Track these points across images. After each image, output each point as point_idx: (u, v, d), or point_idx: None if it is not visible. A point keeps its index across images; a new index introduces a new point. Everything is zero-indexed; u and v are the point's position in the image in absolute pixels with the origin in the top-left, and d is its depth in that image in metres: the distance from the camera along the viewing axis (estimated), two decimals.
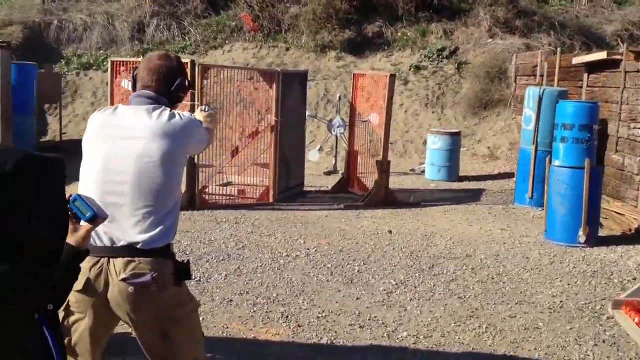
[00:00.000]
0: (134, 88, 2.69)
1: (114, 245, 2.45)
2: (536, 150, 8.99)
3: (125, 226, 2.45)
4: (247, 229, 7.14)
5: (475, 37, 15.16)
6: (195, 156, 7.69)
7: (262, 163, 8.85)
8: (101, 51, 14.80)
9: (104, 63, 14.23)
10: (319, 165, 11.33)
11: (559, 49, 11.46)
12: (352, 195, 9.35)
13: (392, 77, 9.11)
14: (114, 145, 2.50)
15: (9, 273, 1.38)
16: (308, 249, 6.48)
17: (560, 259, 6.54)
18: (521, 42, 14.77)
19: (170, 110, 2.59)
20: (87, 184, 2.52)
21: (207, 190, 8.45)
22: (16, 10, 15.07)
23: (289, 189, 9.10)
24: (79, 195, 1.89)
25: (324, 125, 12.72)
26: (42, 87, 11.33)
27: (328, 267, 5.92)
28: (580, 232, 7.03)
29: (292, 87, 9.12)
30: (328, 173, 11.06)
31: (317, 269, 5.88)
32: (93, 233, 2.42)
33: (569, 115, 7.15)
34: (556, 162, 7.29)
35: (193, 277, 5.15)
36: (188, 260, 2.66)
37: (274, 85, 8.58)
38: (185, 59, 13.83)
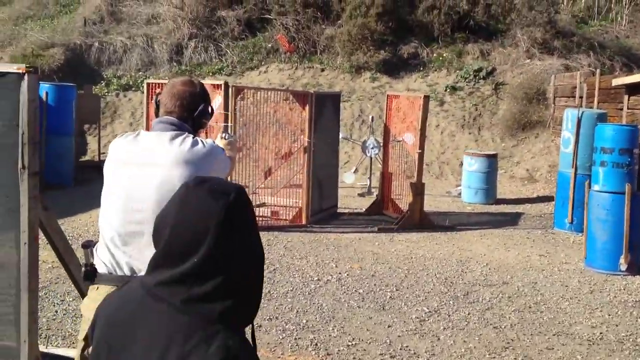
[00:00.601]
0: (157, 113, 2.66)
1: (135, 275, 2.41)
2: (575, 174, 8.76)
3: (147, 256, 2.38)
4: (279, 252, 7.10)
5: (513, 57, 14.98)
6: (229, 176, 7.71)
7: (296, 184, 8.84)
8: (140, 73, 15.09)
9: (143, 84, 14.45)
10: (353, 187, 11.27)
11: (598, 71, 11.25)
12: (387, 218, 9.25)
13: (427, 98, 9.03)
14: (135, 172, 2.46)
15: (233, 306, 1.29)
16: (340, 273, 6.41)
17: (600, 288, 6.32)
18: (560, 63, 14.55)
19: (193, 137, 2.54)
20: (109, 212, 2.48)
21: None
22: (58, 33, 15.49)
23: (322, 211, 9.06)
24: None
25: (358, 147, 12.69)
26: (82, 108, 11.57)
27: (360, 293, 5.84)
28: (622, 260, 6.80)
29: (325, 108, 9.12)
30: (362, 195, 10.98)
31: (349, 294, 5.79)
32: (114, 262, 2.42)
33: (608, 139, 6.96)
34: (596, 187, 7.09)
35: None
36: None
37: (307, 107, 8.59)
38: (221, 80, 14.06)
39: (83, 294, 2.91)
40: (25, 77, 3.10)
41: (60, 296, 5.27)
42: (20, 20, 16.29)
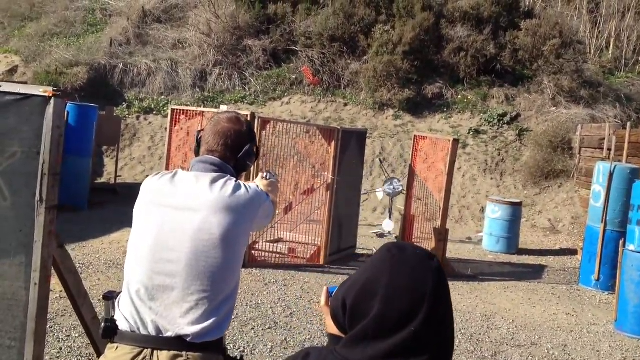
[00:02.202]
0: (197, 152, 2.41)
1: (160, 336, 2.12)
2: (605, 229, 8.45)
3: (175, 314, 2.12)
4: (296, 293, 6.81)
5: (538, 104, 14.77)
6: None
7: (315, 220, 8.58)
8: (163, 97, 15.00)
9: (165, 108, 14.39)
10: (370, 229, 10.99)
11: (629, 124, 10.97)
12: None
13: (456, 142, 8.78)
14: (169, 217, 2.19)
15: None
16: None
17: (633, 354, 5.97)
18: (586, 112, 14.31)
19: (236, 181, 2.30)
20: (136, 260, 2.21)
21: (257, 246, 8.20)
22: (83, 52, 15.48)
23: (341, 251, 8.78)
24: None
25: (377, 187, 12.45)
26: (102, 129, 11.44)
27: None
28: None
29: (350, 145, 8.90)
30: (381, 235, 10.69)
31: None
32: (138, 319, 2.14)
33: None
34: (631, 247, 6.77)
35: (237, 347, 4.84)
36: (242, 357, 2.35)
37: (333, 143, 8.38)
38: (244, 109, 13.94)
39: (98, 350, 2.64)
40: (52, 101, 2.89)
41: (67, 331, 4.98)
42: (46, 37, 16.33)
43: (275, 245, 8.53)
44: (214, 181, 2.24)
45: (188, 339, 2.10)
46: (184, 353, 2.10)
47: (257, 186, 2.41)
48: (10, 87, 2.93)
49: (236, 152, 2.36)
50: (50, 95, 2.86)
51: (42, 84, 14.05)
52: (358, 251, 9.28)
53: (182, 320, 2.11)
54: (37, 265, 2.70)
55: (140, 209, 2.28)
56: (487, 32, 15.94)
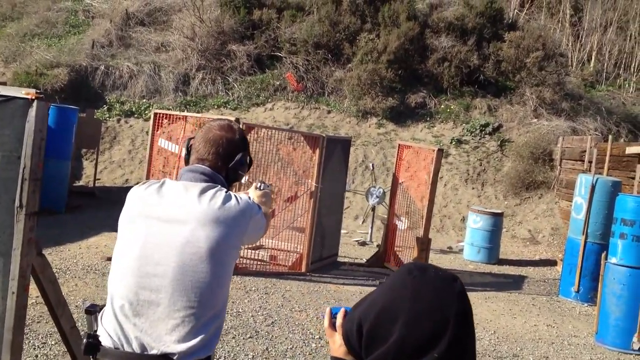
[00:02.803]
0: (187, 160, 2.31)
1: (145, 354, 2.02)
2: (586, 241, 8.49)
3: (161, 331, 2.02)
4: (277, 301, 6.73)
5: (520, 115, 14.89)
6: None
7: (297, 227, 8.51)
8: (144, 100, 14.84)
9: (146, 112, 14.24)
10: (352, 235, 10.95)
11: (610, 137, 11.09)
12: (388, 271, 8.90)
13: (440, 151, 8.76)
14: (155, 228, 2.09)
15: None
16: None
17: None
18: (567, 125, 14.46)
19: (227, 192, 2.19)
20: (121, 274, 2.10)
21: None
22: (64, 53, 15.27)
23: (322, 259, 8.71)
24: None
25: (358, 194, 12.43)
26: (82, 132, 11.27)
27: None
28: (635, 339, 6.48)
29: (334, 153, 8.86)
30: (362, 244, 10.66)
31: None
32: (121, 335, 2.05)
33: (630, 211, 6.70)
34: (613, 260, 6.80)
35: (217, 357, 4.75)
36: None
37: (317, 150, 8.32)
38: (227, 114, 13.84)
39: (75, 359, 2.54)
40: (34, 104, 2.80)
41: (42, 338, 4.85)
42: (27, 37, 16.09)
43: (257, 252, 8.45)
44: (203, 192, 2.14)
45: (174, 358, 2.01)
46: None
47: (249, 197, 2.31)
48: None
49: (228, 161, 2.26)
50: (33, 97, 2.77)
51: (22, 84, 13.82)
52: (340, 259, 9.22)
53: (168, 337, 2.02)
54: (15, 273, 2.58)
55: (125, 220, 2.17)
56: (470, 43, 16.04)
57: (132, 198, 2.20)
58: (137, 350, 2.03)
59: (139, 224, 2.12)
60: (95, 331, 2.10)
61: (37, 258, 2.73)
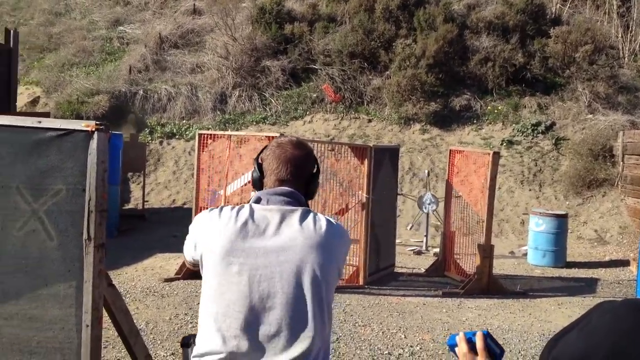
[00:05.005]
0: (259, 182, 2.16)
1: None
2: None
3: None
4: (339, 316, 6.27)
5: (574, 112, 14.19)
6: None
7: (351, 239, 8.07)
8: (184, 121, 14.72)
9: (187, 132, 14.14)
10: (406, 243, 10.44)
11: None
12: (449, 280, 8.37)
13: (496, 155, 8.22)
14: (260, 261, 1.97)
15: None
16: (411, 346, 5.54)
17: None
18: (625, 118, 13.69)
19: (323, 215, 2.13)
20: (231, 314, 1.94)
21: None
22: (103, 80, 15.30)
23: (379, 270, 8.24)
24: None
25: (410, 201, 11.92)
26: (128, 156, 11.22)
27: None
28: None
29: (383, 162, 8.42)
30: (418, 252, 10.13)
31: None
32: None
33: None
34: None
35: None
36: None
37: (366, 161, 7.90)
38: (267, 130, 13.57)
39: None
40: (95, 135, 2.61)
41: None
42: (65, 67, 16.20)
43: None
44: (303, 217, 2.06)
45: None
46: None
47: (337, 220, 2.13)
48: (50, 122, 2.76)
49: (304, 180, 2.17)
50: (93, 129, 2.70)
51: (65, 113, 13.86)
52: (397, 270, 8.73)
53: None
54: (88, 306, 2.49)
55: (210, 258, 2.00)
56: (513, 41, 15.46)
57: (211, 233, 2.03)
58: None
59: (235, 259, 1.98)
60: None
61: (108, 289, 2.65)
